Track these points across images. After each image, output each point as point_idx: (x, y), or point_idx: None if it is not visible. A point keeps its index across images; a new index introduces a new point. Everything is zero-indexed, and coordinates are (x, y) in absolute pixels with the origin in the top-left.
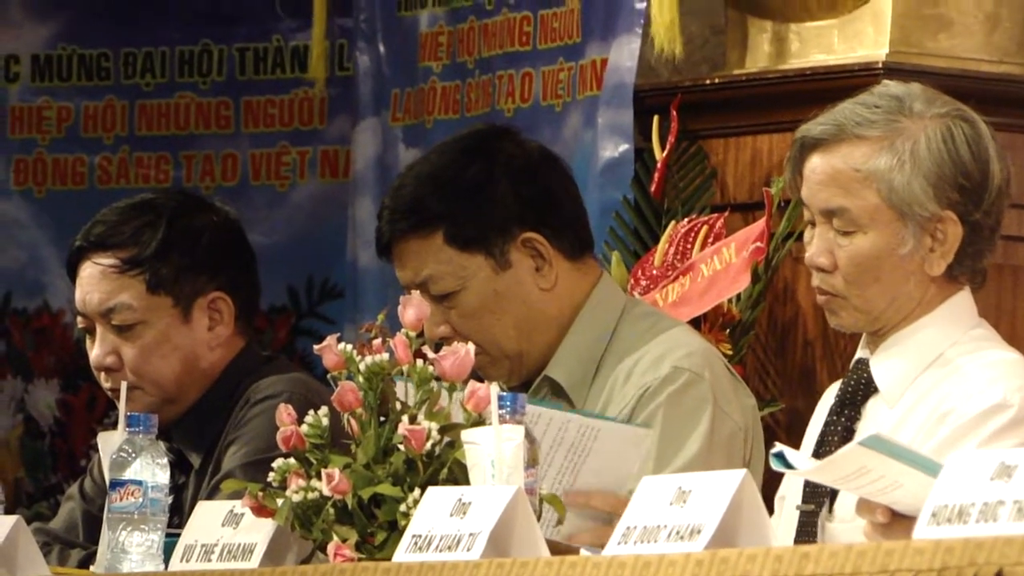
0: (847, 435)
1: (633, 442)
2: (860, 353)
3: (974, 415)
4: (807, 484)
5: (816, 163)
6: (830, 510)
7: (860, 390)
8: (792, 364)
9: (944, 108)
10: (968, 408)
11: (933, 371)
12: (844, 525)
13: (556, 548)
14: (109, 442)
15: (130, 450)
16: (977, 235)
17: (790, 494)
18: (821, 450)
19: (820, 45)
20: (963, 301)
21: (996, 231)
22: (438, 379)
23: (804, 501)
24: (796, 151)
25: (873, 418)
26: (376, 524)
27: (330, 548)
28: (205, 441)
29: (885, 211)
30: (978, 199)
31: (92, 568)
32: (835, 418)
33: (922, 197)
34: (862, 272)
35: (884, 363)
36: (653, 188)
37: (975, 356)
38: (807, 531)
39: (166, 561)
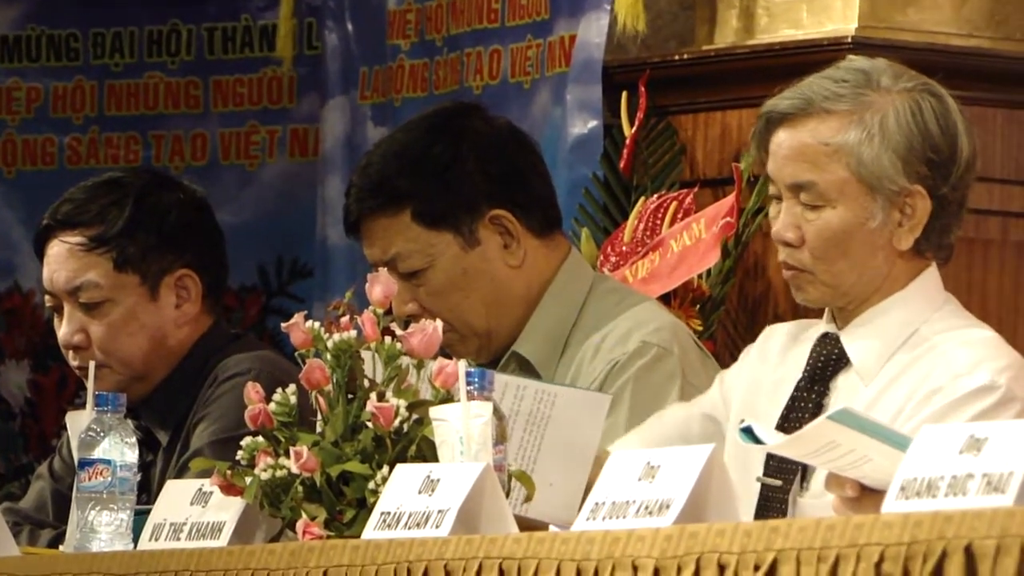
0: (816, 411)
1: (592, 407)
2: (825, 327)
3: (960, 395)
4: (772, 458)
5: (783, 138)
6: (803, 486)
7: (830, 365)
8: None
9: (911, 82)
10: (955, 389)
11: (908, 349)
12: (816, 500)
13: (525, 524)
14: (78, 421)
15: (98, 429)
16: (945, 210)
17: (749, 465)
18: (788, 425)
19: (789, 20)
20: (931, 277)
21: (963, 206)
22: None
23: (768, 474)
24: (762, 126)
25: (845, 394)
26: (345, 502)
27: (299, 526)
28: (173, 419)
29: (854, 185)
30: (946, 173)
31: (62, 548)
32: (804, 394)
33: (891, 171)
34: (830, 247)
35: (858, 340)
36: (622, 164)
37: (951, 335)
38: (773, 507)
39: (135, 539)
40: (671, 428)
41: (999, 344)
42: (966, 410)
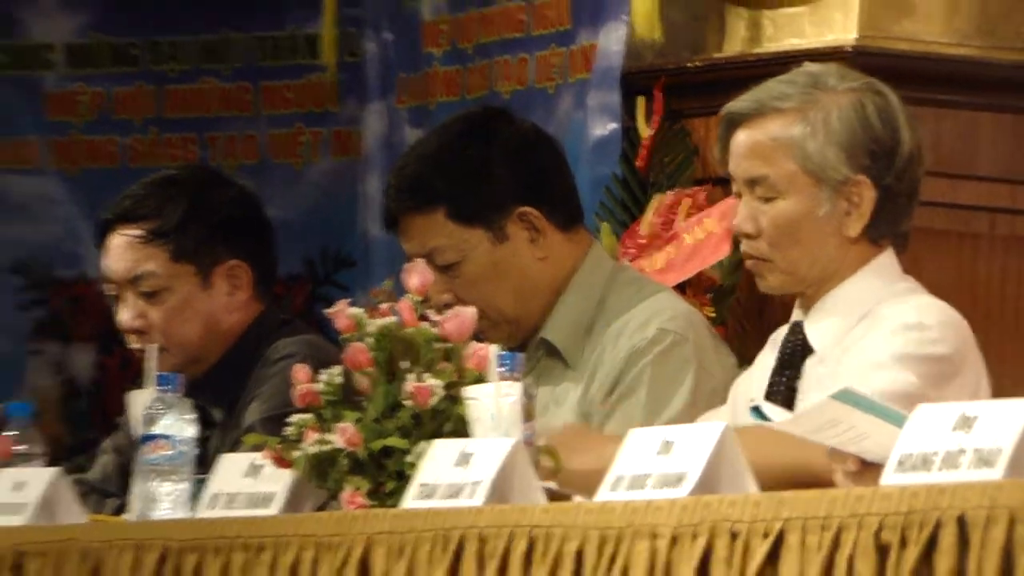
0: (789, 394)
1: None
2: (795, 315)
3: (889, 329)
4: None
5: (740, 137)
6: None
7: (797, 351)
8: (770, 325)
9: (857, 83)
10: (882, 326)
11: (862, 325)
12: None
13: (552, 495)
14: (138, 400)
15: (160, 407)
16: (892, 200)
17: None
18: None
19: (792, 30)
20: (886, 260)
21: (913, 198)
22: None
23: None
24: (723, 128)
25: (809, 376)
26: (386, 474)
27: (344, 496)
28: (227, 398)
29: (801, 176)
30: (889, 163)
31: (125, 516)
32: (777, 378)
33: (835, 162)
34: (783, 234)
35: (817, 325)
36: (639, 164)
37: (897, 303)
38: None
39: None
40: None
41: (939, 304)
42: (892, 342)
